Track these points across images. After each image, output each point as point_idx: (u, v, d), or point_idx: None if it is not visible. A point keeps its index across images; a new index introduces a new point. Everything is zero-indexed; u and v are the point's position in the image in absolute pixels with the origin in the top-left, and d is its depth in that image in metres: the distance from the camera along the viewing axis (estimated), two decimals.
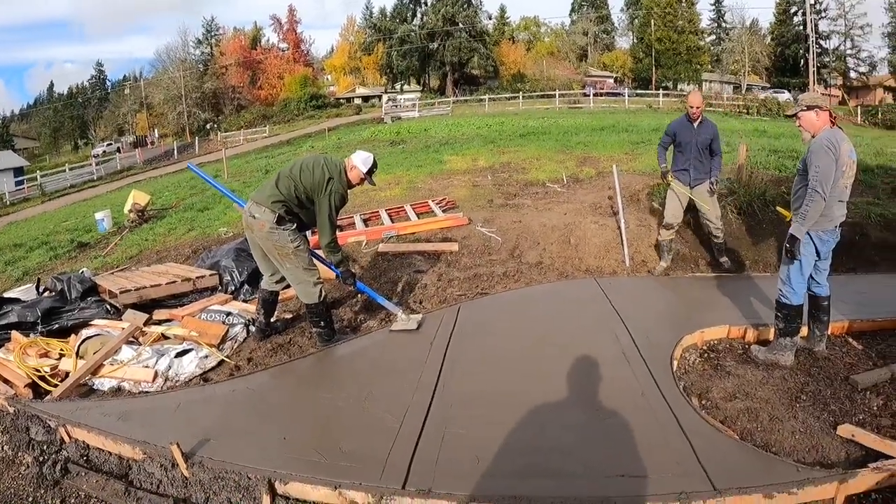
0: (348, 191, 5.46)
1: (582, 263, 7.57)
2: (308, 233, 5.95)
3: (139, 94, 71.07)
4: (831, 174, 4.34)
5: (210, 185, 6.37)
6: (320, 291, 5.40)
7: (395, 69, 66.89)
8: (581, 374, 4.59)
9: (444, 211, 9.93)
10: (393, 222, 9.53)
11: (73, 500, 3.79)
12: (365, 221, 9.86)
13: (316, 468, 3.50)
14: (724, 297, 6.09)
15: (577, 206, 9.60)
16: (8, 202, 36.54)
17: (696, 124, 6.90)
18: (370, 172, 5.48)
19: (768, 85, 62.61)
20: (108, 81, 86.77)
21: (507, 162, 15.11)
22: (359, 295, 6.83)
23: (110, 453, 4.08)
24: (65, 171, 42.87)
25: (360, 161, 5.39)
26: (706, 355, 5.14)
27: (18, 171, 47.10)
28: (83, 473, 3.96)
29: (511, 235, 8.40)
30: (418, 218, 9.62)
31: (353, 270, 5.82)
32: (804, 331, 5.03)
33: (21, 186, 41.52)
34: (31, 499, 3.84)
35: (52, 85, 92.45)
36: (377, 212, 10.22)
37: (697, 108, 6.83)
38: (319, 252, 5.82)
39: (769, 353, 4.87)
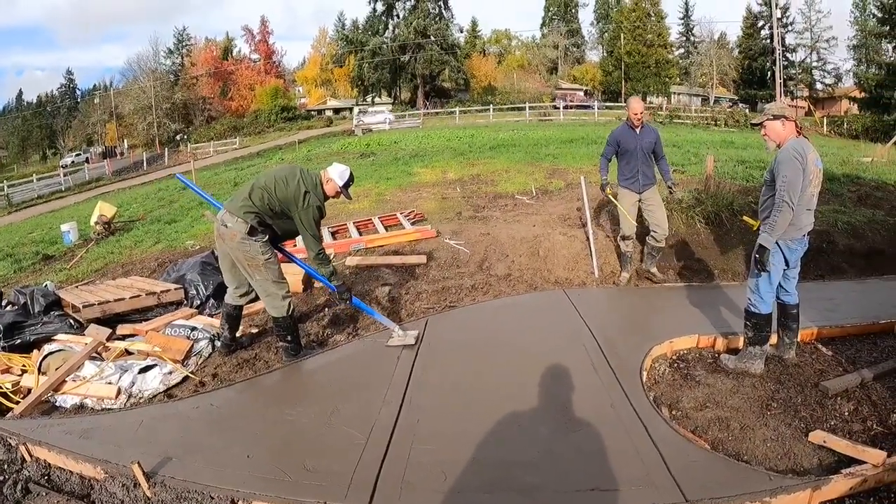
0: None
1: (551, 275, 7.62)
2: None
3: (109, 104, 70.20)
4: (798, 183, 4.39)
5: (196, 195, 6.29)
6: (289, 305, 5.36)
7: (366, 81, 66.74)
8: (550, 386, 4.61)
9: (412, 223, 9.95)
10: (361, 235, 9.56)
11: None
12: (333, 234, 9.88)
13: (280, 487, 3.48)
14: (693, 306, 6.16)
15: (546, 217, 9.68)
16: None
17: (638, 130, 6.97)
18: (346, 186, 5.42)
19: (736, 97, 63.69)
20: (78, 90, 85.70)
21: (477, 174, 15.20)
22: (326, 308, 6.82)
23: (72, 472, 4.02)
24: (32, 181, 42.02)
25: (336, 174, 5.33)
26: (676, 365, 5.19)
27: None
28: (44, 493, 3.89)
29: (480, 248, 8.45)
30: (387, 231, 9.62)
31: (348, 285, 5.76)
32: (774, 339, 5.09)
33: None
34: None
35: (20, 93, 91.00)
36: (345, 224, 10.24)
37: (640, 114, 6.93)
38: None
39: (739, 362, 4.93)
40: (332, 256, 8.34)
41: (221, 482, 3.54)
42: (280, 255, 5.52)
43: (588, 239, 8.00)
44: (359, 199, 12.58)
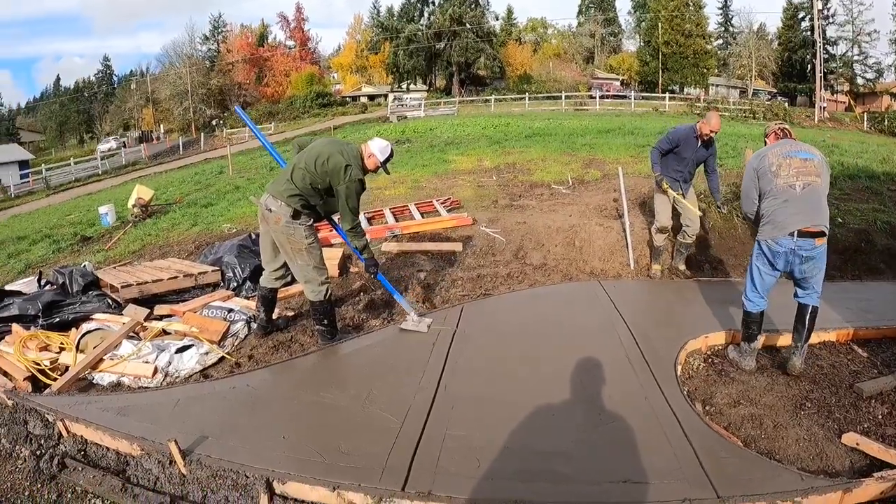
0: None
1: (586, 266, 7.52)
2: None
3: (145, 90, 70.98)
4: (748, 190, 4.65)
5: (256, 137, 6.28)
6: (327, 290, 5.33)
7: (401, 68, 66.80)
8: (584, 377, 4.54)
9: (448, 211, 9.90)
10: (397, 221, 9.53)
11: (69, 495, 3.75)
12: (369, 219, 9.84)
13: (315, 468, 3.45)
14: (728, 302, 5.99)
15: (582, 208, 9.57)
16: (13, 195, 36.50)
17: (700, 142, 6.81)
18: (386, 161, 5.33)
19: (775, 90, 62.49)
20: (114, 76, 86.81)
21: (513, 163, 15.08)
22: (362, 293, 6.79)
23: (108, 449, 4.04)
24: (70, 164, 42.83)
25: (377, 149, 5.25)
26: (710, 360, 5.10)
27: (24, 165, 47.39)
28: (80, 468, 3.91)
29: (515, 236, 8.36)
30: (422, 217, 9.59)
31: (376, 259, 5.69)
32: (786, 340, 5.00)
33: (26, 180, 41.60)
34: (27, 493, 3.79)
35: (58, 79, 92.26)
36: (381, 210, 10.20)
37: (715, 133, 6.74)
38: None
39: (734, 353, 5.00)
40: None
41: (257, 461, 3.53)
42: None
43: (624, 230, 7.89)
44: (395, 185, 12.57)
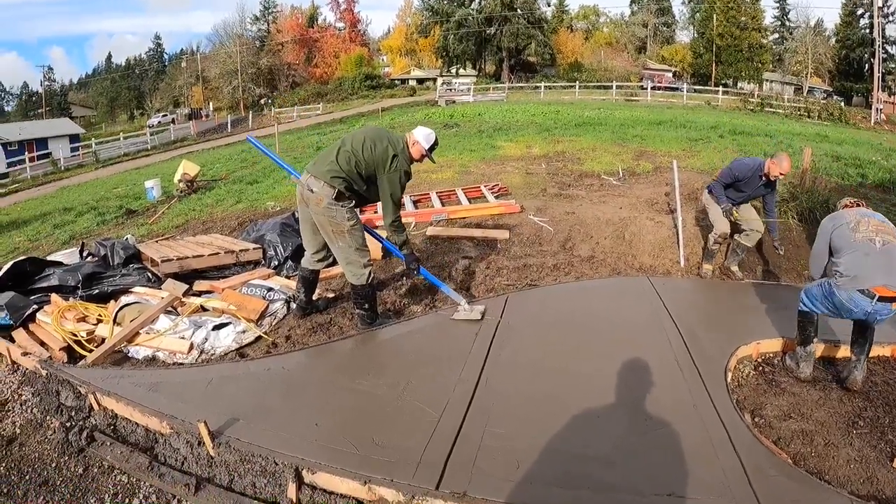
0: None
1: (635, 261, 7.24)
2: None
3: (195, 68, 71.89)
4: (820, 251, 4.52)
5: (267, 157, 6.18)
6: (369, 274, 5.16)
7: (451, 53, 66.26)
8: (630, 378, 4.30)
9: (496, 197, 9.64)
10: (444, 205, 9.33)
11: (96, 470, 3.71)
12: (415, 203, 9.66)
13: (346, 459, 3.31)
14: (781, 308, 5.61)
15: (633, 200, 9.26)
16: (63, 167, 37.25)
17: (764, 180, 6.54)
18: (431, 149, 5.20)
19: (830, 88, 60.62)
20: (165, 54, 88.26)
21: (562, 151, 14.76)
22: (404, 278, 6.62)
23: (137, 424, 3.98)
24: (119, 139, 43.57)
25: (422, 137, 5.13)
26: (760, 368, 4.82)
27: (74, 139, 48.48)
28: (108, 443, 3.87)
29: (563, 226, 8.10)
30: (470, 203, 9.36)
31: (417, 255, 5.53)
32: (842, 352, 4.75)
33: (76, 153, 42.33)
34: (54, 465, 3.77)
35: (110, 56, 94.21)
36: (428, 194, 10.00)
37: (783, 175, 6.52)
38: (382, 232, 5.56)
39: (790, 361, 4.73)
40: (412, 225, 8.19)
41: (287, 448, 3.40)
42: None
43: (676, 226, 7.57)
44: (442, 169, 12.38)
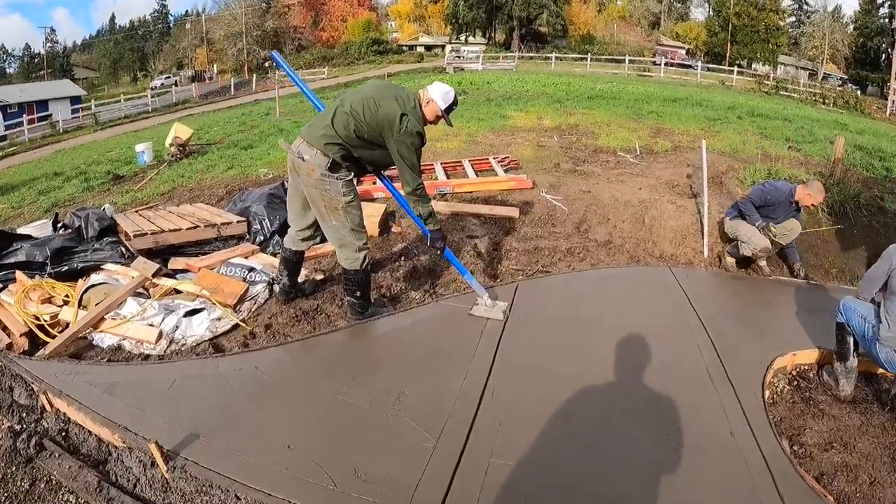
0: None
1: (656, 248, 6.67)
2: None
3: (200, 30, 71.54)
4: (876, 277, 3.98)
5: (292, 81, 5.48)
6: (364, 258, 4.53)
7: (460, 20, 65.12)
8: (659, 392, 3.74)
9: (506, 171, 9.03)
10: (448, 178, 8.71)
11: (42, 486, 3.22)
12: None
13: (321, 496, 2.79)
14: (815, 309, 5.06)
15: (653, 181, 8.62)
16: (61, 130, 36.72)
17: (793, 206, 6.14)
18: (449, 110, 4.47)
19: (845, 76, 59.72)
20: (170, 16, 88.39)
21: (575, 124, 14.06)
22: (403, 258, 6.05)
23: (90, 433, 3.47)
24: (120, 101, 43.00)
25: (438, 94, 4.38)
26: (795, 382, 4.27)
27: (75, 100, 48.26)
28: (58, 454, 3.34)
29: (578, 206, 7.51)
30: (477, 176, 8.74)
31: (444, 232, 4.89)
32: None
33: (76, 115, 41.83)
34: (0, 475, 3.27)
35: (113, 17, 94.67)
36: (431, 165, 9.32)
37: (817, 206, 6.50)
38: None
39: (826, 375, 4.25)
40: None
41: (252, 479, 2.86)
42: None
43: (700, 212, 7.00)
44: (448, 137, 11.71)
